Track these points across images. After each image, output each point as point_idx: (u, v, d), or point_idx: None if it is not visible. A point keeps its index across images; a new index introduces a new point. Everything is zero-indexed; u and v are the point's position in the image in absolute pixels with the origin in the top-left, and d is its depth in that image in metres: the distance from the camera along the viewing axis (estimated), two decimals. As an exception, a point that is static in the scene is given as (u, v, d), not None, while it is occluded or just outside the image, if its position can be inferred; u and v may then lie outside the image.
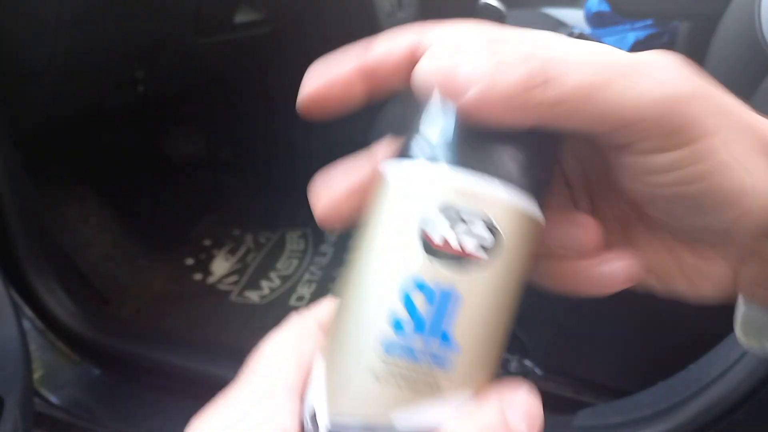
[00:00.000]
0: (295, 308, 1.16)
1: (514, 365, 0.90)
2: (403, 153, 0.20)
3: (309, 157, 1.39)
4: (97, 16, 0.78)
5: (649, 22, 1.67)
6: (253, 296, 1.20)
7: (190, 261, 1.28)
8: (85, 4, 0.74)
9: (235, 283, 1.24)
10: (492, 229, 0.19)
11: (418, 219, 0.19)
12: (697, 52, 1.36)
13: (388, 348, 0.18)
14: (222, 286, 1.23)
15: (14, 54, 0.75)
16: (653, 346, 0.69)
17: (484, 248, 0.19)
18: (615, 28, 1.74)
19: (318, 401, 0.19)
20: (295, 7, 1.15)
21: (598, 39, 1.57)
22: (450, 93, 0.17)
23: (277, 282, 1.24)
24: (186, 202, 1.43)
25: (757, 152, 0.19)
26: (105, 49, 0.84)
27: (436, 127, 0.19)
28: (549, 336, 0.88)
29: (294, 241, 1.36)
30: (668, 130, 0.18)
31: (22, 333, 0.64)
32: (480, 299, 0.19)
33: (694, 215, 0.19)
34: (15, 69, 0.77)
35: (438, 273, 0.18)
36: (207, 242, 1.34)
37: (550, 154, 0.21)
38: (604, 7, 1.74)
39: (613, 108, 0.17)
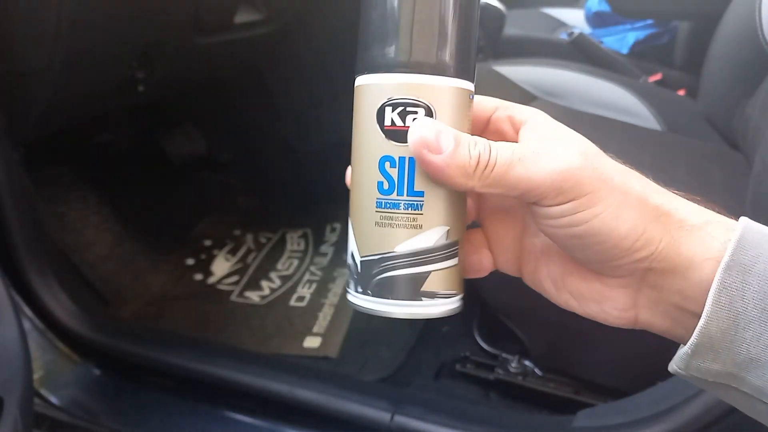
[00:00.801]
0: (296, 309, 1.16)
1: (513, 365, 0.90)
2: (362, 71, 0.29)
3: (309, 158, 1.40)
4: (97, 16, 0.78)
5: (649, 21, 1.67)
6: (253, 296, 1.20)
7: (190, 261, 1.28)
8: (85, 3, 0.74)
9: (236, 283, 1.24)
10: (420, 104, 0.28)
11: (375, 112, 0.28)
12: (696, 51, 1.36)
13: (380, 204, 0.28)
14: (222, 287, 1.23)
15: (14, 54, 0.75)
16: (653, 346, 0.69)
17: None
18: (615, 27, 1.74)
19: (353, 246, 0.30)
20: (295, 7, 1.15)
21: (598, 39, 1.57)
22: (430, 150, 0.27)
23: (277, 282, 1.24)
24: (186, 203, 1.43)
25: (628, 207, 0.26)
26: (105, 49, 0.84)
27: (377, 52, 0.28)
28: (549, 336, 0.88)
29: (294, 242, 1.36)
30: (559, 191, 0.26)
31: (22, 333, 0.64)
32: None
33: (583, 250, 0.28)
34: (14, 69, 0.77)
35: (394, 146, 0.28)
36: (207, 242, 1.34)
37: (457, 45, 0.29)
38: (604, 7, 1.74)
39: (521, 178, 0.27)
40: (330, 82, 1.27)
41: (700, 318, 0.26)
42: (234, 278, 1.25)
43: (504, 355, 0.92)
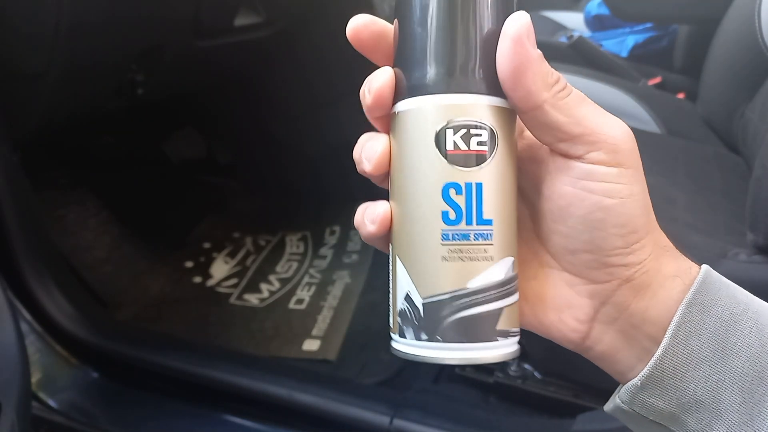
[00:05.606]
0: (295, 311, 1.16)
1: (513, 368, 0.90)
2: (408, 93, 0.27)
3: (308, 160, 1.40)
4: (96, 20, 0.78)
5: (648, 25, 1.67)
6: (252, 299, 1.20)
7: (189, 264, 1.28)
8: (84, 6, 0.74)
9: (235, 285, 1.23)
10: (484, 126, 0.26)
11: (433, 137, 0.26)
12: (696, 55, 1.36)
13: (446, 236, 0.26)
14: (221, 289, 1.22)
15: (14, 57, 0.75)
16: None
17: (483, 143, 0.26)
18: (614, 31, 1.74)
19: (409, 287, 0.27)
20: (294, 10, 1.15)
21: (597, 42, 1.57)
22: (530, 40, 0.25)
23: (276, 285, 1.24)
24: (186, 205, 1.43)
25: (646, 207, 0.26)
26: (104, 52, 0.84)
27: (425, 70, 0.26)
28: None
29: (293, 244, 1.36)
30: (615, 148, 0.26)
31: (20, 336, 0.64)
32: (494, 180, 0.26)
33: (597, 229, 0.26)
34: (14, 72, 0.77)
35: (460, 172, 0.26)
36: (206, 245, 1.34)
37: None
38: (604, 11, 1.74)
39: (590, 115, 0.26)
40: (330, 84, 1.28)
41: (653, 342, 0.26)
42: (233, 281, 1.25)
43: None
